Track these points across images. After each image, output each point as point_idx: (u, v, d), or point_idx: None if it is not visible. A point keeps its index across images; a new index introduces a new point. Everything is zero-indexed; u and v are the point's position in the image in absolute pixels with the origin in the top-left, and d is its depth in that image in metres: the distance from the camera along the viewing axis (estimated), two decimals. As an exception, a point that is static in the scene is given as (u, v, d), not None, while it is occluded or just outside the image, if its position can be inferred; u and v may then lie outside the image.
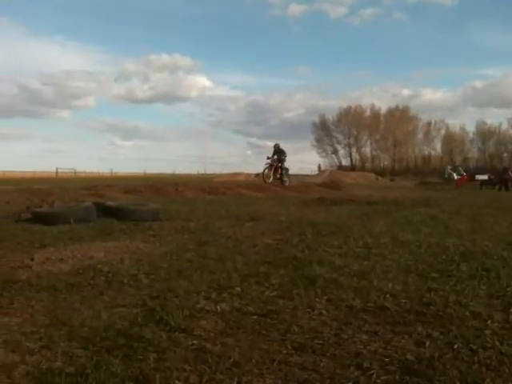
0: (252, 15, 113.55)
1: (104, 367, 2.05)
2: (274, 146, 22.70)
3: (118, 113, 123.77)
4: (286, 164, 22.92)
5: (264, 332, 2.58)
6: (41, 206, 8.08)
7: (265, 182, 21.19)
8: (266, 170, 21.88)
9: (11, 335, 2.49)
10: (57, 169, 51.07)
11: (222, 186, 18.20)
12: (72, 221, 6.94)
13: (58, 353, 2.25)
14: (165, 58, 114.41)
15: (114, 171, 65.20)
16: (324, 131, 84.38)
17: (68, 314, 2.80)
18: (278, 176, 22.21)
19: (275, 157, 22.18)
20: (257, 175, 40.61)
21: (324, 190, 20.17)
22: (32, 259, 4.36)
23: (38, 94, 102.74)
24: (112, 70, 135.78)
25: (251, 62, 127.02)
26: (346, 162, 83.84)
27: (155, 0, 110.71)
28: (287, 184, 22.24)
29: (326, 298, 3.24)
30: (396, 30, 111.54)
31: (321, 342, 2.46)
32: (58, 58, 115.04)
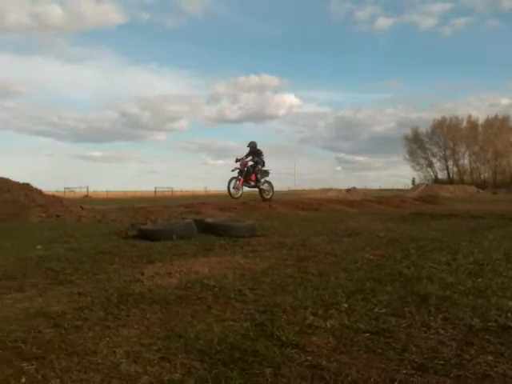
0: (338, 31, 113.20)
1: (223, 380, 2.08)
2: (250, 145, 17.06)
3: (209, 133, 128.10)
4: (266, 167, 17.26)
5: (379, 350, 2.49)
6: (145, 224, 8.50)
7: (232, 197, 16.14)
8: (233, 182, 16.23)
9: (131, 346, 2.60)
10: (155, 188, 53.69)
11: (315, 202, 18.10)
12: (175, 237, 7.21)
13: (177, 364, 2.31)
14: (253, 78, 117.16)
15: (208, 189, 67.27)
16: (417, 144, 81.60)
17: (182, 327, 2.88)
18: (253, 184, 16.83)
19: (248, 159, 16.85)
20: (348, 190, 39.85)
21: (421, 205, 19.42)
22: (142, 274, 4.57)
23: (137, 119, 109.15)
24: (204, 93, 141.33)
25: (339, 78, 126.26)
26: (442, 176, 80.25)
27: (243, 24, 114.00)
28: (269, 196, 17.14)
29: (440, 316, 3.07)
30: (490, 38, 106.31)
31: (442, 362, 2.32)
32: (154, 83, 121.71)
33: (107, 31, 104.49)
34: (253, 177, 16.56)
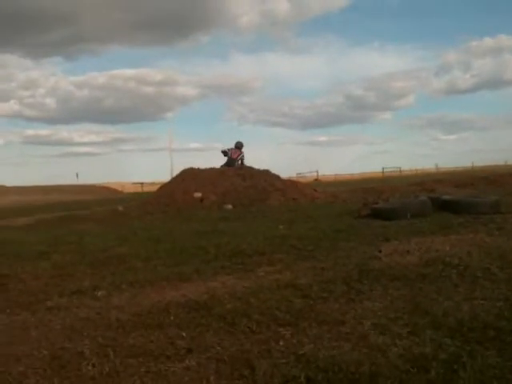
0: None
1: (479, 357, 1.98)
2: (236, 146, 15.17)
3: (438, 107, 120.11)
4: None
5: None
6: (377, 203, 8.50)
7: None
8: None
9: (378, 319, 2.66)
10: (383, 168, 53.07)
11: None
12: (409, 215, 7.05)
13: (426, 340, 2.28)
14: (488, 41, 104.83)
15: (439, 166, 63.48)
16: None
17: (427, 303, 2.83)
18: None
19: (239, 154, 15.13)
20: None
21: None
22: (380, 251, 4.60)
23: (361, 100, 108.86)
24: (431, 65, 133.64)
25: None
26: None
27: None
28: None
29: None
30: None
31: None
32: (377, 62, 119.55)
33: (330, 17, 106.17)
34: None
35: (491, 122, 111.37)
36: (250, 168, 13.87)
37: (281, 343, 2.43)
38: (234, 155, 14.71)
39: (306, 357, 2.20)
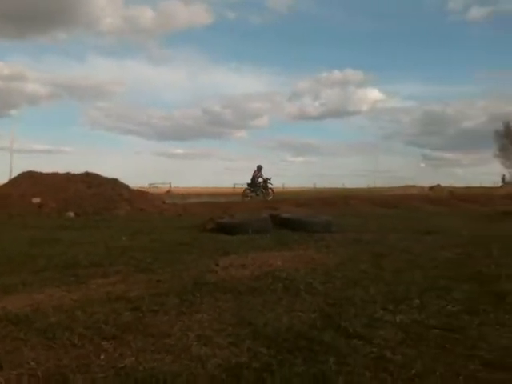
0: (429, 23, 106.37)
1: (287, 366, 2.14)
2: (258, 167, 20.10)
3: (290, 130, 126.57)
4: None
5: (448, 346, 2.44)
6: (223, 218, 8.74)
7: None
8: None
9: (203, 331, 2.73)
10: (234, 184, 54.51)
11: (394, 199, 17.66)
12: (250, 231, 7.36)
13: (245, 349, 2.41)
14: (336, 74, 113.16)
15: (286, 186, 67.12)
16: (509, 139, 76.61)
17: (252, 315, 2.98)
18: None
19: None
20: (431, 188, 38.37)
21: (510, 203, 18.30)
22: (217, 264, 4.73)
23: (219, 117, 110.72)
24: (285, 90, 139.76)
25: (427, 71, 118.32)
26: (536, 173, 74.65)
27: (327, 19, 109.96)
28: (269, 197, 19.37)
29: (517, 315, 2.94)
30: None
31: (514, 360, 2.24)
32: (235, 81, 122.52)
33: (194, 32, 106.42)
34: None
35: (334, 148, 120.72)
36: (97, 176, 13.37)
37: (102, 357, 2.37)
38: (253, 174, 19.34)
39: (126, 370, 2.18)
